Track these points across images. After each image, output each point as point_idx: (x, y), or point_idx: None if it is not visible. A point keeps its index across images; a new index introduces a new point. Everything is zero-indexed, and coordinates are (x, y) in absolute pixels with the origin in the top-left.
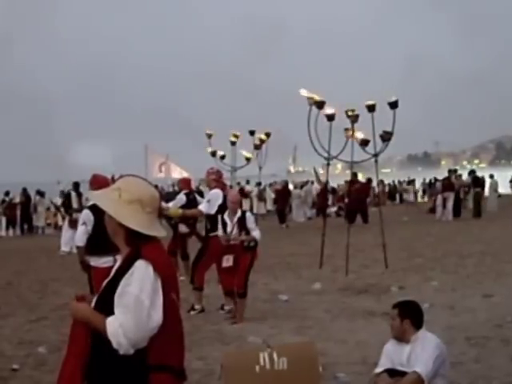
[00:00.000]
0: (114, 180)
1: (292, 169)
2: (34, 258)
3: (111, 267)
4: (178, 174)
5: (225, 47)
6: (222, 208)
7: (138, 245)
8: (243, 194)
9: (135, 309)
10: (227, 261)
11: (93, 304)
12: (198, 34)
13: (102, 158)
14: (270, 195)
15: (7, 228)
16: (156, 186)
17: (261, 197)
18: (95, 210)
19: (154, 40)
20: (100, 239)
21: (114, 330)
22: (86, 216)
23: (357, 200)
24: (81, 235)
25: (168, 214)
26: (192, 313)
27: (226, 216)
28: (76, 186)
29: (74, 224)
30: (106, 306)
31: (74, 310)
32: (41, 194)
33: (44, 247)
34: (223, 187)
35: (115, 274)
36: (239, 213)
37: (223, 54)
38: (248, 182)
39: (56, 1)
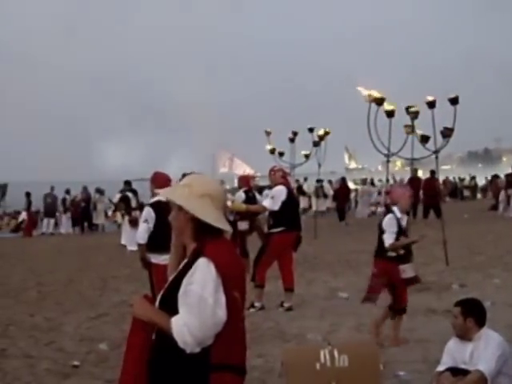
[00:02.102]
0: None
1: (350, 166)
2: (95, 256)
3: None
4: (242, 170)
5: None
6: (286, 205)
7: (204, 241)
8: (301, 191)
9: (199, 307)
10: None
11: (157, 303)
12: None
13: (169, 154)
14: (330, 192)
15: (73, 226)
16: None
17: (319, 194)
18: (157, 207)
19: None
20: (161, 236)
21: (179, 329)
22: (147, 213)
23: (428, 195)
24: (142, 232)
25: (232, 207)
26: (252, 310)
27: None
28: (128, 184)
29: (133, 222)
30: (170, 305)
31: (136, 308)
32: (100, 192)
33: (104, 245)
34: (287, 184)
35: (181, 271)
36: None
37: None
38: (306, 180)
39: None
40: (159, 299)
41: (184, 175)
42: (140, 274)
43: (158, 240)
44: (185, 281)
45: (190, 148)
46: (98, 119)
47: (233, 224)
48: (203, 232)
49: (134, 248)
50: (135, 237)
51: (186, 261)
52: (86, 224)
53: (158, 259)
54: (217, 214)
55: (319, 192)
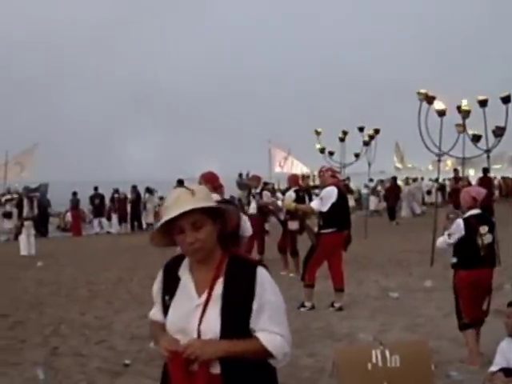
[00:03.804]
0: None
1: (400, 165)
2: (144, 255)
3: None
4: (299, 169)
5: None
6: (336, 205)
7: (231, 245)
8: (348, 190)
9: (283, 315)
10: None
11: (217, 330)
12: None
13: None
14: (380, 192)
15: (119, 225)
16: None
17: (374, 193)
18: None
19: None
20: None
21: (276, 342)
22: None
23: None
24: None
25: (283, 205)
26: (302, 309)
27: None
28: (181, 183)
29: None
30: (235, 326)
31: (201, 351)
32: (150, 191)
33: None
34: (338, 184)
35: (231, 289)
36: None
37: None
38: (348, 179)
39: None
40: (220, 326)
41: (240, 175)
42: None
43: None
44: (257, 294)
45: (243, 147)
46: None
47: (283, 223)
48: (226, 239)
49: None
50: None
51: (223, 277)
52: (135, 223)
53: None
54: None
55: (374, 191)
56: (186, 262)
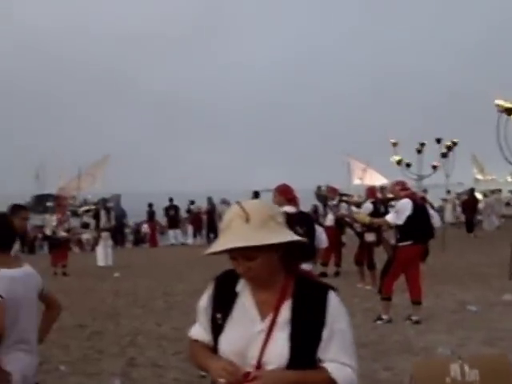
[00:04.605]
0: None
1: (481, 176)
2: (220, 266)
3: None
4: (377, 181)
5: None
6: (412, 218)
7: (295, 267)
8: (426, 202)
9: (351, 345)
10: None
11: (284, 359)
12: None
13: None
14: (457, 204)
15: (194, 236)
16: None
17: (453, 205)
18: (285, 218)
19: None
20: None
21: (348, 376)
22: None
23: None
24: None
25: (357, 218)
26: (379, 322)
27: None
28: (256, 195)
29: None
30: (304, 355)
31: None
32: (226, 202)
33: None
34: (412, 196)
35: (300, 315)
36: None
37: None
38: (426, 191)
39: None
40: (289, 353)
41: (319, 187)
42: None
43: None
44: (328, 321)
45: (321, 159)
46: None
47: (360, 236)
48: (291, 256)
49: None
50: None
51: (290, 300)
52: (211, 234)
53: None
54: (288, 230)
55: (453, 203)
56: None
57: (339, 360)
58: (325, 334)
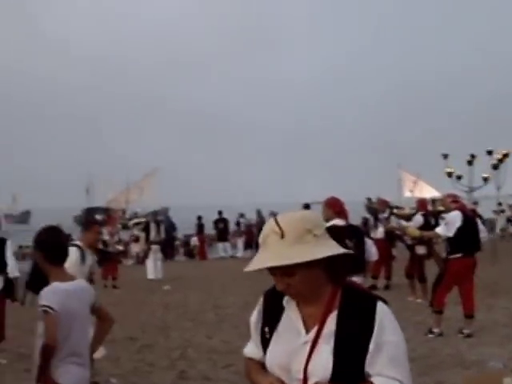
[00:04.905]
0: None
1: None
2: (270, 279)
3: None
4: (429, 193)
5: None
6: (462, 230)
7: (341, 277)
8: (476, 214)
9: (403, 358)
10: None
11: (329, 371)
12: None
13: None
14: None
15: (245, 249)
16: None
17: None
18: (332, 232)
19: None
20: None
21: None
22: None
23: None
24: None
25: (407, 232)
26: (430, 336)
27: None
28: (306, 208)
29: None
30: (349, 368)
31: None
32: (274, 215)
33: None
34: (462, 208)
35: (344, 327)
36: None
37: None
38: (476, 203)
39: None
40: (332, 367)
41: (369, 199)
42: None
43: None
44: (375, 335)
45: (370, 172)
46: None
47: (410, 248)
48: (337, 268)
49: None
50: None
51: (336, 311)
52: None
53: None
54: (330, 241)
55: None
56: None
57: (387, 374)
58: (372, 345)
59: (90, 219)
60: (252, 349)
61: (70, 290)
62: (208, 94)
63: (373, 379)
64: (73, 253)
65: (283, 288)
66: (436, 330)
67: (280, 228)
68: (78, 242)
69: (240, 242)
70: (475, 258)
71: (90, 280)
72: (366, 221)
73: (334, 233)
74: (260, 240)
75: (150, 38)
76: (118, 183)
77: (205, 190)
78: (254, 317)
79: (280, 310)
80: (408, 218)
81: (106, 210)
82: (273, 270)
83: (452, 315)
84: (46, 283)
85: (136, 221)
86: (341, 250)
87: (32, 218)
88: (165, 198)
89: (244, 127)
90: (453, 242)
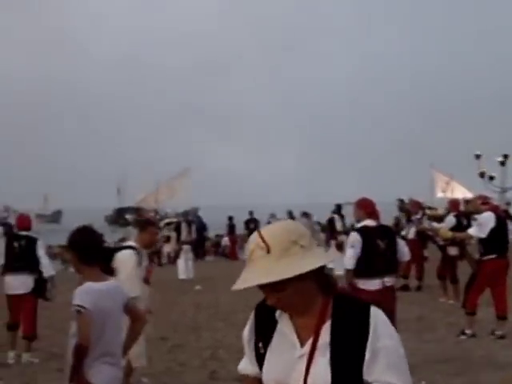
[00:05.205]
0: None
1: None
2: None
3: (379, 290)
4: (461, 194)
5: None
6: (495, 231)
7: (332, 286)
8: (508, 216)
9: (402, 362)
10: None
11: (329, 380)
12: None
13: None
14: None
15: None
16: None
17: None
18: (363, 232)
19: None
20: (369, 262)
21: None
22: (353, 238)
23: None
24: (349, 258)
25: (439, 234)
26: (462, 337)
27: None
28: (338, 208)
29: (339, 246)
30: (347, 378)
31: None
32: (306, 215)
33: None
34: (495, 209)
35: (339, 336)
36: None
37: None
38: (509, 204)
39: None
40: (331, 380)
41: (401, 200)
42: None
43: (366, 265)
44: (369, 342)
45: (403, 172)
46: None
47: (442, 249)
48: (327, 277)
49: (341, 272)
50: (342, 260)
51: (329, 322)
52: None
53: (365, 285)
54: (318, 250)
55: None
56: None
57: (385, 380)
58: (368, 353)
59: (146, 220)
60: (246, 365)
61: (103, 290)
62: (238, 93)
63: None
64: (130, 255)
65: (273, 303)
66: (468, 332)
67: (265, 242)
68: (133, 244)
69: None
70: (508, 259)
71: (146, 280)
72: (398, 221)
73: (365, 233)
74: (247, 255)
75: (184, 38)
76: (148, 183)
77: (235, 190)
78: (246, 333)
79: (273, 324)
80: (440, 218)
81: (136, 210)
82: (262, 286)
83: (484, 316)
84: None
85: (167, 221)
86: (330, 258)
87: (63, 218)
88: (194, 198)
89: (272, 127)
90: (486, 244)
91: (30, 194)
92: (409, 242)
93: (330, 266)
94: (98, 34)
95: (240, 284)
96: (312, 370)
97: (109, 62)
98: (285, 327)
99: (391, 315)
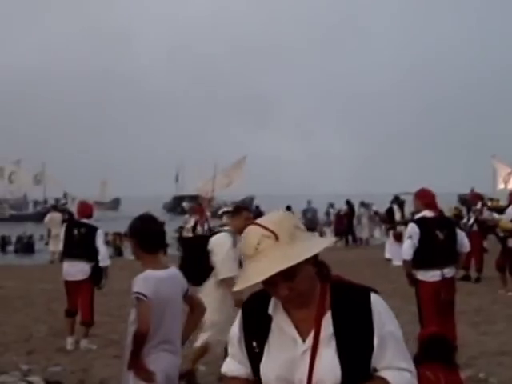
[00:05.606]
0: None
1: None
2: (359, 270)
3: (438, 282)
4: None
5: None
6: None
7: (328, 273)
8: None
9: (403, 346)
10: None
11: (338, 377)
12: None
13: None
14: None
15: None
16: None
17: None
18: (421, 223)
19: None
20: (427, 253)
21: (406, 380)
22: (412, 229)
23: None
24: (407, 249)
25: (499, 225)
26: None
27: None
28: (397, 199)
29: (398, 237)
30: (357, 368)
31: None
32: (365, 205)
33: (368, 259)
34: None
35: (344, 325)
36: None
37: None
38: None
39: None
40: (341, 371)
41: (461, 197)
42: (404, 290)
43: (424, 256)
44: (376, 328)
45: (465, 162)
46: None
47: (503, 241)
48: (321, 265)
49: (399, 263)
50: (400, 251)
51: (330, 312)
52: (349, 237)
53: (424, 276)
54: (311, 234)
55: None
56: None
57: (396, 366)
58: (375, 340)
59: (238, 205)
60: (235, 366)
61: (163, 278)
62: (290, 85)
63: (382, 374)
64: (226, 237)
65: (286, 294)
66: None
67: (271, 231)
68: (228, 228)
69: (328, 232)
70: None
71: (240, 263)
72: (459, 212)
73: (423, 224)
74: (247, 251)
75: (248, 28)
76: (206, 171)
77: (292, 179)
78: (235, 333)
79: (266, 320)
80: (501, 210)
81: (194, 198)
82: (272, 278)
83: None
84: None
85: (225, 209)
86: (332, 240)
87: (121, 206)
88: (250, 187)
89: (329, 117)
90: None
91: (88, 181)
92: (469, 233)
93: (387, 256)
94: (147, 28)
95: (254, 277)
96: (317, 363)
97: (160, 54)
98: (282, 322)
99: (451, 307)
